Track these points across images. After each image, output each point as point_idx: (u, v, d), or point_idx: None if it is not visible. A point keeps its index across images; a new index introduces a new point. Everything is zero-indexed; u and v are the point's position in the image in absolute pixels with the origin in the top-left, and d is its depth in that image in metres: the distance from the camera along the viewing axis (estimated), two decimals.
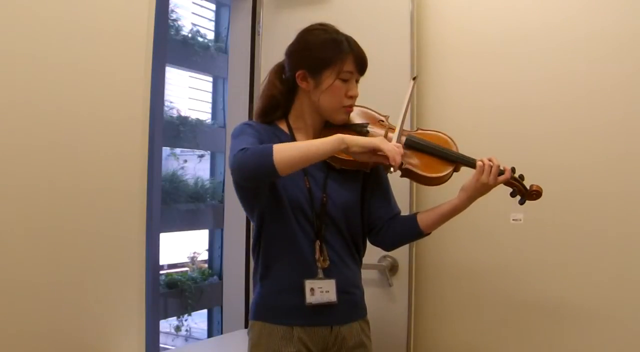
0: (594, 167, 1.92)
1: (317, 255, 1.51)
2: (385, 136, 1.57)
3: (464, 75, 2.13)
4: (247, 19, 2.54)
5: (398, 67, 2.06)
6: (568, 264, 1.95)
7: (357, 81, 1.57)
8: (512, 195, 1.57)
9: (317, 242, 1.52)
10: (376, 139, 1.42)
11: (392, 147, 1.41)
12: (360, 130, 1.59)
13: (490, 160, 1.52)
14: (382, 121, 1.64)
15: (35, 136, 1.56)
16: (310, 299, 1.49)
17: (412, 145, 1.58)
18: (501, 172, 1.52)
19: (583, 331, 1.92)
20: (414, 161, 1.56)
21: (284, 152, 1.35)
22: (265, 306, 1.53)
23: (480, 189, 1.52)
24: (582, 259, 1.93)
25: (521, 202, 1.57)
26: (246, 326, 2.41)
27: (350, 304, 1.57)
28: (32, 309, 1.54)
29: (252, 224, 1.61)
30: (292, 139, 1.57)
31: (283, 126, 1.60)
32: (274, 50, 2.31)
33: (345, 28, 1.59)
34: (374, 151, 1.41)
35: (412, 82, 1.66)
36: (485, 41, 2.10)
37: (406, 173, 1.56)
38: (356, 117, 1.62)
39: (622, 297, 1.87)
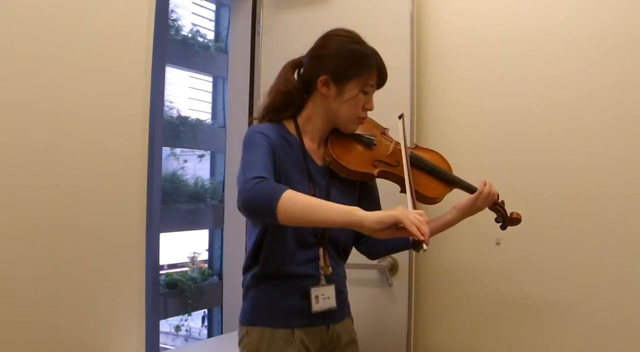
0: (594, 168, 1.92)
1: (322, 262, 1.51)
2: (389, 156, 1.58)
3: (463, 75, 2.13)
4: (247, 19, 2.54)
5: (398, 67, 2.05)
6: (567, 265, 1.95)
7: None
8: (497, 220, 1.67)
9: (321, 250, 1.52)
10: (396, 212, 1.26)
11: (416, 218, 1.25)
12: (367, 141, 1.60)
13: (486, 185, 1.61)
14: (384, 133, 1.65)
15: (35, 136, 1.56)
16: (315, 307, 1.48)
17: (415, 163, 1.60)
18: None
19: (582, 331, 1.92)
20: (416, 181, 1.57)
21: (291, 204, 1.28)
22: (265, 310, 1.51)
23: (473, 211, 1.62)
24: (580, 261, 1.93)
25: (503, 228, 1.67)
26: None
27: (342, 303, 1.58)
28: (32, 309, 1.54)
29: (248, 226, 1.59)
30: (300, 142, 1.55)
31: (290, 127, 1.57)
32: (274, 50, 2.32)
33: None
34: (395, 225, 1.26)
35: (399, 121, 1.59)
36: (485, 41, 2.10)
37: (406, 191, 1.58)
38: (361, 127, 1.62)
39: (621, 299, 1.87)
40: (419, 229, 1.24)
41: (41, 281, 1.56)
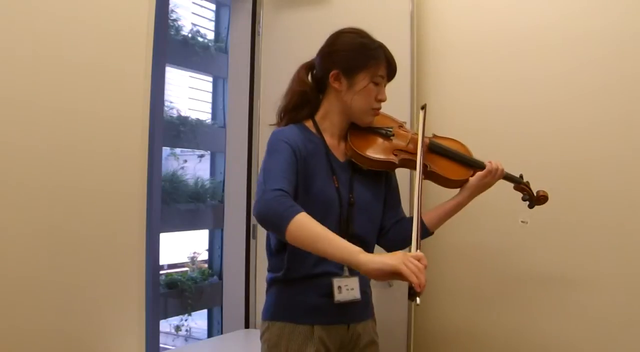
0: (593, 165, 1.93)
1: None
2: (407, 144, 1.61)
3: (463, 75, 2.13)
4: (247, 19, 2.54)
5: (398, 67, 2.05)
6: (565, 260, 1.95)
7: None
8: (523, 199, 1.69)
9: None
10: (394, 261, 1.26)
11: (415, 266, 1.26)
12: (385, 133, 1.62)
13: (492, 163, 1.64)
14: (402, 126, 1.68)
15: (36, 136, 1.56)
16: (338, 297, 1.49)
17: (437, 150, 1.64)
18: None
19: (582, 325, 1.92)
20: (439, 165, 1.62)
21: (299, 229, 1.31)
22: (286, 306, 1.52)
23: (481, 188, 1.63)
24: (579, 254, 1.94)
25: (530, 207, 1.69)
26: (246, 326, 2.42)
27: (365, 303, 1.59)
28: (32, 309, 1.54)
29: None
30: (322, 139, 1.57)
31: (310, 126, 1.59)
32: (274, 50, 2.32)
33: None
34: (393, 274, 1.27)
35: (421, 111, 1.65)
36: (485, 41, 2.10)
37: (431, 176, 1.62)
38: (378, 121, 1.64)
39: (620, 289, 1.88)
40: (417, 278, 1.25)
41: (41, 281, 1.56)
